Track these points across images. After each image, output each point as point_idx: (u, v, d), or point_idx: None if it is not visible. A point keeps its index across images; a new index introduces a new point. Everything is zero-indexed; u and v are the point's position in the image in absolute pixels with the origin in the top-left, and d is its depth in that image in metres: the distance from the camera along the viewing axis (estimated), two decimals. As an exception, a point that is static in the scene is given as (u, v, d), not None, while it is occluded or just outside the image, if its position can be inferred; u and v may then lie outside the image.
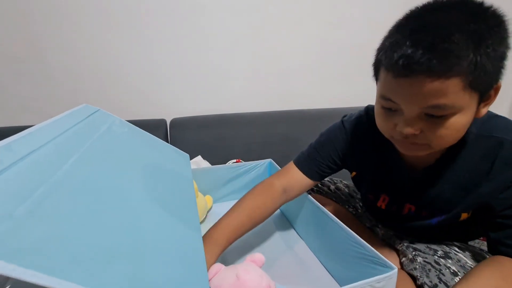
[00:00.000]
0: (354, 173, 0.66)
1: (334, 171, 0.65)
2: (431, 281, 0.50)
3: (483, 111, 0.43)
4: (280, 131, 1.10)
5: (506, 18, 0.38)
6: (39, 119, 1.02)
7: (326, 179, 0.74)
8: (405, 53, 0.37)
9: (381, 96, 0.44)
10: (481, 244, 0.60)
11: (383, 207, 0.61)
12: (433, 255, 0.55)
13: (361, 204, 0.75)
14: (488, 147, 0.46)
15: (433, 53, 0.35)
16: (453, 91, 0.37)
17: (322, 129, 1.05)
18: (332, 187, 0.76)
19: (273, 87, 1.23)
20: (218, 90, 1.19)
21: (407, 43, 0.37)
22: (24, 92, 1.04)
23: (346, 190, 0.77)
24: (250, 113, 1.14)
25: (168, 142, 1.06)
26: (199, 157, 0.97)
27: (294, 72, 1.23)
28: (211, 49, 1.13)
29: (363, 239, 0.51)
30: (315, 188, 0.72)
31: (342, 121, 0.64)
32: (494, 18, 0.38)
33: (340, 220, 0.56)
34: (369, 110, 0.61)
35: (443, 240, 0.59)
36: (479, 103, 0.41)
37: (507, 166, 0.45)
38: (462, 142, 0.47)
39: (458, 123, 0.40)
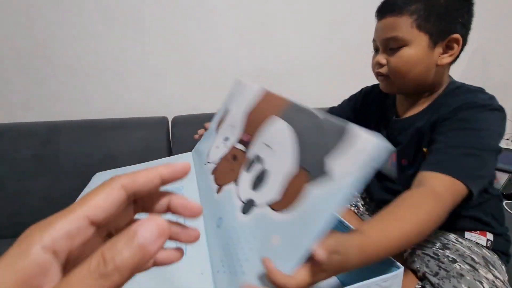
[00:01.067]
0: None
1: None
2: (431, 270, 0.52)
3: (445, 60, 0.56)
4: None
5: None
6: (41, 116, 1.03)
7: None
8: (382, 3, 0.60)
9: (372, 41, 0.63)
10: (477, 238, 0.60)
11: None
12: (431, 247, 0.57)
13: (362, 203, 0.77)
14: (454, 95, 0.58)
15: (392, 1, 0.57)
16: (403, 26, 0.55)
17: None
18: None
19: (275, 86, 1.22)
20: (220, 88, 1.18)
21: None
22: (26, 89, 1.04)
23: None
24: (252, 111, 1.14)
25: (169, 140, 1.06)
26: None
27: (297, 70, 1.22)
28: (214, 47, 1.12)
29: None
30: None
31: (359, 91, 0.84)
32: None
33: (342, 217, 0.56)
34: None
35: None
36: (433, 46, 0.55)
37: (452, 104, 0.55)
38: (440, 97, 0.60)
39: (407, 55, 0.56)
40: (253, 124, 0.50)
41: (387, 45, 0.58)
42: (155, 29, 1.06)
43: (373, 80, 1.20)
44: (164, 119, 1.08)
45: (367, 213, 0.76)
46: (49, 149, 0.95)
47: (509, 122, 1.33)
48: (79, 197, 0.68)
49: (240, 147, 0.50)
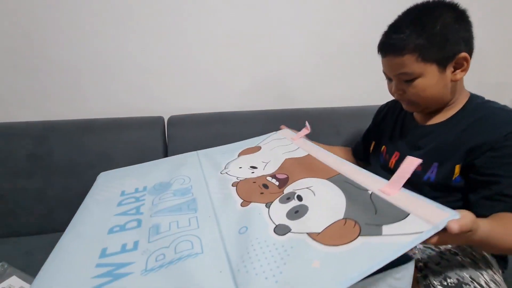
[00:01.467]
0: (373, 143, 0.84)
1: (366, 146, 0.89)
2: (433, 261, 0.53)
3: (458, 76, 0.59)
4: (278, 129, 1.09)
5: (458, 10, 0.58)
6: (36, 115, 1.02)
7: None
8: (380, 42, 0.63)
9: (383, 71, 0.66)
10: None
11: (393, 165, 0.72)
12: None
13: None
14: (484, 113, 0.59)
15: (391, 41, 0.59)
16: (408, 63, 0.57)
17: (319, 129, 1.07)
18: None
19: (271, 86, 1.22)
20: (216, 88, 1.18)
21: (382, 36, 0.62)
22: (21, 87, 1.04)
23: None
24: (248, 111, 1.14)
25: (165, 140, 1.06)
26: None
27: (293, 70, 1.22)
28: (210, 47, 1.12)
29: None
30: None
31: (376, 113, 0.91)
32: (444, 12, 0.56)
33: None
34: None
35: None
36: (443, 69, 0.58)
37: (497, 128, 0.55)
38: (468, 108, 0.62)
39: (421, 84, 0.59)
40: (291, 170, 0.64)
41: (400, 78, 0.61)
42: (151, 29, 1.06)
43: (369, 81, 1.21)
44: (160, 119, 1.08)
45: None
46: (43, 148, 0.95)
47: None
48: (89, 194, 0.69)
49: (273, 181, 0.62)
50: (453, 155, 0.59)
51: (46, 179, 0.95)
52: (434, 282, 0.48)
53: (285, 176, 0.62)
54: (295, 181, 0.59)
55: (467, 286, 0.47)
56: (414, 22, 0.56)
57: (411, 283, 0.40)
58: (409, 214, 0.40)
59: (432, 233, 0.36)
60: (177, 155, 0.87)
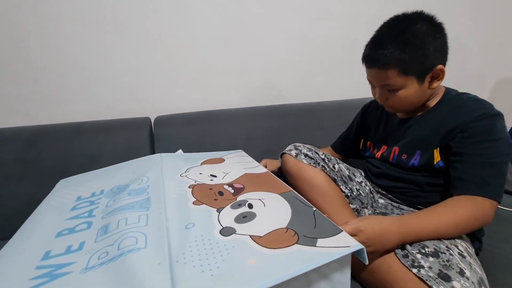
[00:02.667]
0: (362, 140, 0.91)
1: (354, 143, 0.95)
2: (420, 245, 0.55)
3: (435, 85, 0.66)
4: (264, 126, 1.12)
5: (435, 23, 0.64)
6: (24, 121, 1.03)
7: (333, 158, 0.84)
8: (365, 54, 0.68)
9: (367, 78, 0.72)
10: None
11: (379, 156, 0.81)
12: None
13: (357, 188, 0.82)
14: (458, 103, 0.67)
15: (376, 56, 0.65)
16: (391, 76, 0.64)
17: (305, 123, 1.11)
18: (337, 166, 0.83)
19: (257, 83, 1.24)
20: (202, 87, 1.20)
21: (367, 48, 0.68)
22: (8, 93, 1.04)
23: (347, 172, 0.85)
24: (234, 109, 1.16)
25: (152, 140, 1.08)
26: (179, 151, 0.99)
27: (278, 67, 1.24)
28: (195, 46, 1.14)
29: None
30: (321, 164, 0.78)
31: (360, 111, 0.96)
32: (423, 27, 0.62)
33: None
34: None
35: (426, 200, 0.71)
36: (422, 81, 0.65)
37: (467, 114, 0.63)
38: (443, 101, 0.70)
39: (403, 95, 0.66)
40: (248, 182, 0.68)
41: (383, 88, 0.68)
42: (134, 31, 1.07)
43: (353, 75, 1.24)
44: (147, 120, 1.09)
45: (358, 198, 0.81)
46: (32, 152, 0.96)
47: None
48: (42, 203, 0.71)
49: (229, 189, 0.65)
50: (432, 142, 0.67)
51: (36, 183, 0.96)
52: (413, 251, 0.52)
53: (241, 186, 0.66)
54: (249, 192, 0.63)
55: (443, 254, 0.51)
56: (397, 39, 0.62)
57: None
58: (342, 231, 0.47)
59: (358, 248, 0.43)
60: (141, 158, 0.88)
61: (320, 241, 0.45)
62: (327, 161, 0.80)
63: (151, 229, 0.50)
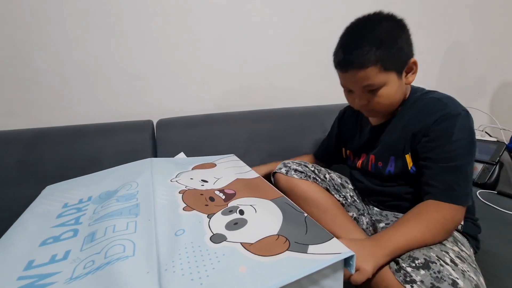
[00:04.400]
0: (343, 149, 0.89)
1: (336, 152, 0.92)
2: (411, 258, 0.54)
3: (411, 78, 0.65)
4: (265, 129, 1.12)
5: (398, 19, 0.63)
6: (25, 123, 1.03)
7: (323, 168, 0.84)
8: (339, 59, 0.65)
9: (341, 84, 0.70)
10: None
11: (360, 165, 0.80)
12: None
13: (351, 194, 0.82)
14: (421, 104, 0.66)
15: (352, 58, 0.61)
16: (372, 75, 0.61)
17: (306, 127, 1.11)
18: (327, 176, 0.83)
19: (258, 86, 1.25)
20: (204, 90, 1.20)
21: (339, 53, 0.65)
22: (9, 95, 1.04)
23: (339, 180, 0.84)
24: (236, 112, 1.16)
25: (155, 143, 1.07)
26: (181, 154, 0.98)
27: (279, 70, 1.24)
28: (196, 50, 1.14)
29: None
30: (312, 176, 0.78)
31: (335, 119, 0.96)
32: (389, 24, 0.62)
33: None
34: None
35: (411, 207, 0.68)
36: (400, 75, 0.63)
37: (428, 116, 0.62)
38: (408, 103, 0.68)
39: (386, 92, 0.63)
40: (239, 188, 0.66)
41: (364, 90, 0.64)
42: (137, 34, 1.07)
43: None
44: (149, 122, 1.09)
45: (354, 204, 0.81)
46: (33, 156, 0.96)
47: (485, 115, 1.38)
48: (30, 207, 0.69)
49: (220, 194, 0.64)
50: (403, 147, 0.67)
51: (37, 186, 0.95)
52: (403, 264, 0.51)
53: (233, 192, 0.65)
54: (241, 197, 0.62)
55: (434, 264, 0.49)
56: (369, 38, 0.60)
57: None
58: (333, 237, 0.47)
59: (349, 254, 0.43)
60: (131, 162, 0.86)
61: (311, 248, 0.44)
62: (317, 172, 0.80)
63: (139, 236, 0.48)
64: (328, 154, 0.98)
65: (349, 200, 0.81)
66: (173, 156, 0.98)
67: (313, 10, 1.20)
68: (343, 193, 0.81)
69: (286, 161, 0.82)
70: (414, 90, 0.71)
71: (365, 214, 0.80)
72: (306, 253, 0.43)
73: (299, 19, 1.20)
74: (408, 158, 0.67)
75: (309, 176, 0.78)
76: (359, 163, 0.80)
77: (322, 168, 0.84)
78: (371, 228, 0.78)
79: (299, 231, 0.49)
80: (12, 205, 0.94)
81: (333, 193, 0.79)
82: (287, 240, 0.46)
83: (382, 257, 0.52)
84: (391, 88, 0.63)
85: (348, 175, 0.88)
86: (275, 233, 0.49)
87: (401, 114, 0.69)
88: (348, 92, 0.69)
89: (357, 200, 0.82)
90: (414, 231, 0.55)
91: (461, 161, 0.59)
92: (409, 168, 0.67)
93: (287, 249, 0.44)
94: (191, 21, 1.10)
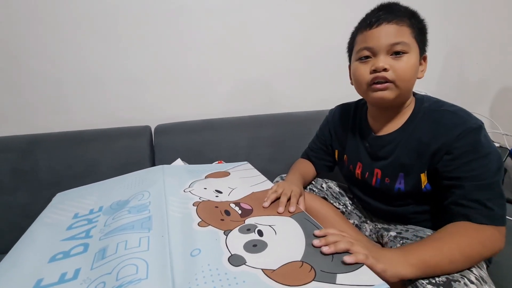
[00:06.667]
0: (337, 151, 0.82)
1: (329, 155, 0.85)
2: None
3: (421, 74, 0.62)
4: (266, 134, 1.10)
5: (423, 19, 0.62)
6: (20, 129, 1.01)
7: (319, 178, 0.81)
8: (374, 15, 0.60)
9: (360, 50, 0.62)
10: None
11: (359, 176, 0.73)
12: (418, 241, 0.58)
13: (350, 202, 0.80)
14: (435, 118, 0.60)
15: (390, 13, 0.58)
16: (404, 34, 0.58)
17: (308, 132, 1.08)
18: (325, 185, 0.81)
19: (258, 91, 1.23)
20: (203, 95, 1.18)
21: (375, 11, 0.61)
22: (2, 102, 1.02)
23: (337, 188, 0.82)
24: (236, 117, 1.14)
25: (153, 149, 1.05)
26: (178, 160, 0.96)
27: (279, 75, 1.23)
28: (195, 54, 1.13)
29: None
30: (309, 187, 0.77)
31: (329, 112, 0.88)
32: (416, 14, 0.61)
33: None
34: (351, 103, 0.81)
35: (420, 224, 0.66)
36: (419, 57, 0.60)
37: (448, 132, 0.56)
38: (418, 114, 0.62)
39: (410, 61, 0.58)
40: (256, 203, 0.63)
41: (390, 50, 0.58)
42: (134, 38, 1.06)
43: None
44: (147, 128, 1.07)
45: (354, 212, 0.79)
46: (28, 162, 0.93)
47: (487, 120, 1.37)
48: (40, 216, 0.67)
49: (236, 208, 0.61)
50: (416, 165, 0.61)
51: (32, 194, 0.93)
52: (423, 281, 0.46)
53: (249, 207, 0.61)
54: (258, 216, 0.58)
55: (457, 282, 0.45)
56: (406, 8, 0.61)
57: None
58: (363, 265, 0.42)
59: (383, 286, 0.39)
60: (142, 170, 0.83)
61: (340, 277, 0.40)
62: (314, 182, 0.78)
63: (152, 255, 0.46)
64: (321, 160, 0.87)
65: (349, 208, 0.79)
66: (170, 163, 0.96)
67: (314, 15, 1.19)
68: (343, 201, 0.79)
69: (283, 175, 0.81)
70: (420, 99, 0.65)
71: (368, 221, 0.78)
72: (335, 283, 0.40)
73: (300, 24, 1.19)
74: (423, 176, 0.61)
75: (305, 187, 0.76)
76: (358, 172, 0.73)
77: (319, 179, 0.82)
78: (374, 236, 0.76)
79: (325, 257, 0.45)
80: (6, 213, 0.92)
81: (332, 201, 0.77)
82: (312, 268, 0.43)
83: (404, 266, 0.46)
84: (412, 60, 0.58)
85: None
86: (299, 259, 0.45)
87: (411, 126, 0.63)
88: (364, 59, 0.62)
89: (358, 207, 0.80)
90: (445, 249, 0.48)
91: (493, 178, 0.54)
92: (423, 186, 0.62)
93: (313, 279, 0.41)
94: (190, 25, 1.09)
